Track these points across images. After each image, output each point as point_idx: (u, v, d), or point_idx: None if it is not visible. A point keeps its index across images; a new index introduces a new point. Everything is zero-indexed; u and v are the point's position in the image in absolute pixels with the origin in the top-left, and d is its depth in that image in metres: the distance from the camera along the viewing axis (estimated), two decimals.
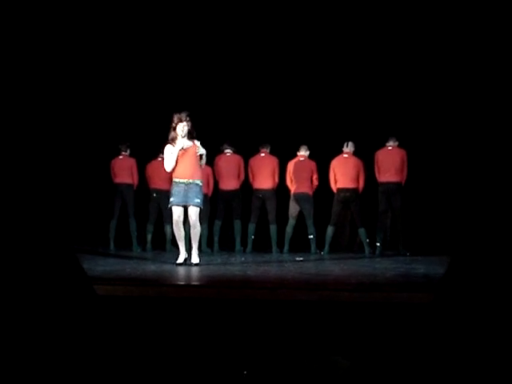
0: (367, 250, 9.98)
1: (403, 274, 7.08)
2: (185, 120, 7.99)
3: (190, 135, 8.03)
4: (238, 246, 10.48)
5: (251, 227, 10.46)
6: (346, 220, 10.76)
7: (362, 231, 10.08)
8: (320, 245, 10.24)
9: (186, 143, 7.98)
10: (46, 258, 1.83)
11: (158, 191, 10.44)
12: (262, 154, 10.45)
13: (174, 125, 8.00)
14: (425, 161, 10.54)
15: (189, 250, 8.12)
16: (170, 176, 9.91)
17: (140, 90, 11.26)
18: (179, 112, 8.05)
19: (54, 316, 1.77)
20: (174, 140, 8.00)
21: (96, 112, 11.24)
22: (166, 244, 10.52)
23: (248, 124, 11.19)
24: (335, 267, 8.14)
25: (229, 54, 11.12)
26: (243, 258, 9.26)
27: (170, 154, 8.00)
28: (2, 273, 1.76)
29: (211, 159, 10.58)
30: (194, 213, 7.94)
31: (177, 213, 7.94)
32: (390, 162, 9.88)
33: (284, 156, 10.49)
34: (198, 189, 7.94)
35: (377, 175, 10.01)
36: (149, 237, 10.64)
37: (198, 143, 8.06)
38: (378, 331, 4.33)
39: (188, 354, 3.94)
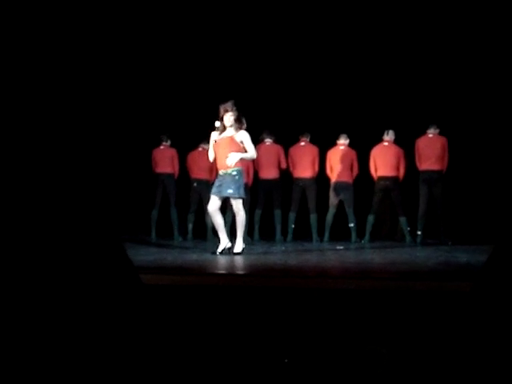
0: (408, 238, 9.94)
1: (444, 263, 7.04)
2: (231, 110, 7.94)
3: (238, 124, 7.98)
4: (278, 235, 10.51)
5: (291, 216, 10.48)
6: (387, 209, 10.72)
7: (402, 220, 10.04)
8: (360, 233, 10.23)
9: (216, 136, 7.97)
10: (93, 248, 1.87)
11: (199, 181, 10.52)
12: (302, 143, 10.45)
13: (221, 115, 7.95)
14: (466, 148, 10.44)
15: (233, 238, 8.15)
16: (210, 166, 10.01)
17: (181, 81, 11.32)
18: (224, 102, 7.98)
19: (102, 304, 1.82)
20: (223, 130, 7.98)
21: (138, 103, 11.35)
22: (206, 233, 10.60)
23: (288, 113, 11.20)
24: (376, 256, 8.13)
25: (267, 45, 11.12)
26: (284, 247, 9.28)
27: (210, 143, 8.06)
28: (51, 263, 1.81)
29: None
30: (232, 203, 7.97)
31: (211, 202, 7.96)
32: (431, 149, 9.80)
33: (324, 145, 10.48)
34: (230, 179, 7.84)
35: (417, 163, 9.93)
36: (190, 226, 10.73)
37: (240, 133, 7.98)
38: (420, 320, 4.32)
39: (231, 342, 3.98)
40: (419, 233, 9.84)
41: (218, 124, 7.98)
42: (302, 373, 3.35)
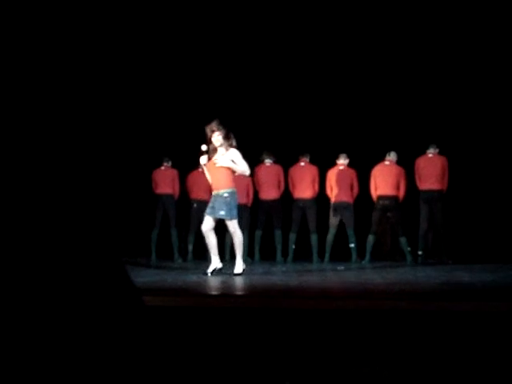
0: (409, 258, 9.91)
1: (446, 283, 7.01)
2: (217, 129, 7.87)
3: (227, 142, 7.91)
4: (279, 256, 10.48)
5: (292, 237, 10.46)
6: (387, 229, 10.70)
7: (403, 240, 10.01)
8: (361, 254, 10.20)
9: (205, 159, 7.95)
10: (96, 270, 1.85)
11: (199, 201, 10.50)
12: (302, 164, 10.45)
13: (208, 137, 7.92)
14: (466, 168, 10.44)
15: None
16: (210, 186, 10.03)
17: (182, 102, 11.34)
18: (208, 123, 7.92)
19: (105, 327, 1.80)
20: (214, 151, 7.94)
21: (139, 123, 11.36)
22: (207, 254, 10.57)
23: (287, 133, 11.22)
24: (377, 276, 8.09)
25: (267, 64, 11.16)
26: (284, 268, 9.26)
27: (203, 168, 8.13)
28: (53, 285, 1.79)
29: (251, 169, 10.63)
30: (228, 224, 7.92)
31: (204, 222, 7.93)
32: (431, 169, 9.80)
33: (324, 165, 10.48)
34: (222, 200, 7.80)
35: (417, 183, 9.93)
36: (190, 247, 10.70)
37: (230, 153, 7.91)
38: (422, 340, 4.29)
39: (229, 364, 3.95)
40: (420, 252, 9.82)
41: (204, 148, 7.94)
42: None
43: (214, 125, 7.88)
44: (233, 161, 7.91)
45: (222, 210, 7.78)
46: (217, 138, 7.87)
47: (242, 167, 7.99)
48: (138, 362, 1.81)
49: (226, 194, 7.82)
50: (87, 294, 1.77)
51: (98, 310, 1.77)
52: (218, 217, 7.85)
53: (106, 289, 1.81)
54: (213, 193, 7.95)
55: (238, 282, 7.34)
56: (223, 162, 7.83)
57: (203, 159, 7.98)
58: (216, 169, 7.88)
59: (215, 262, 7.94)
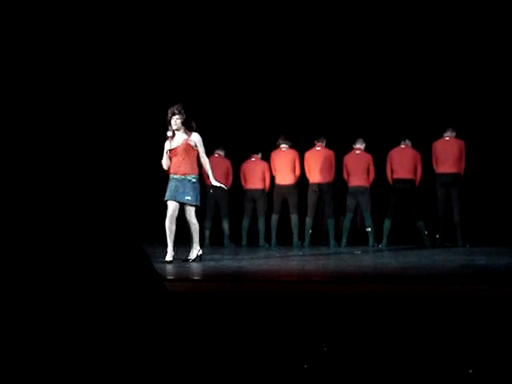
0: (426, 242, 9.90)
1: (463, 266, 7.01)
2: (178, 113, 7.68)
3: (187, 128, 7.74)
4: (295, 241, 10.50)
5: (308, 221, 10.47)
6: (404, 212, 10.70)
7: (420, 224, 9.99)
8: (378, 238, 10.21)
9: (173, 143, 7.73)
10: (117, 255, 1.88)
11: (214, 187, 10.52)
12: (318, 148, 10.44)
13: (168, 119, 7.72)
14: (483, 151, 10.40)
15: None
16: (226, 172, 10.11)
17: (189, 88, 11.31)
18: (173, 105, 7.74)
19: (125, 312, 1.83)
20: (173, 136, 7.76)
21: (155, 110, 11.35)
22: (224, 239, 10.62)
23: (303, 118, 11.20)
24: (393, 260, 8.10)
25: (279, 49, 11.11)
26: (301, 252, 9.28)
27: (164, 152, 7.83)
28: (74, 272, 1.82)
29: (267, 154, 10.65)
30: (187, 209, 7.75)
31: (171, 207, 7.70)
32: (448, 152, 9.77)
33: (340, 149, 10.46)
34: (190, 185, 7.70)
35: (434, 166, 9.90)
36: (207, 233, 10.72)
37: (193, 136, 7.76)
38: (440, 324, 4.30)
39: (247, 349, 3.98)
40: (437, 236, 9.81)
41: (169, 133, 7.74)
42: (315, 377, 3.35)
43: (175, 107, 7.72)
44: (195, 145, 7.78)
45: (189, 195, 7.67)
46: (175, 121, 7.69)
47: (203, 159, 7.89)
48: (158, 347, 1.84)
49: (194, 180, 7.73)
50: (109, 280, 1.80)
51: (120, 296, 1.80)
52: (183, 201, 7.68)
53: (128, 275, 1.84)
54: (175, 176, 7.73)
55: (256, 266, 7.36)
56: (216, 183, 8.07)
57: (167, 144, 7.77)
58: (184, 153, 7.73)
59: (171, 250, 7.70)
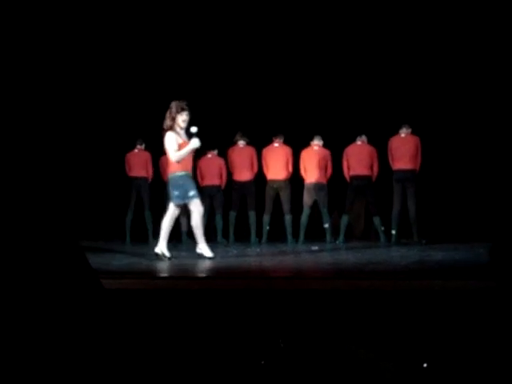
0: (382, 238, 9.97)
1: (419, 262, 7.08)
2: (187, 109, 7.59)
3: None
4: (253, 238, 10.49)
5: (266, 218, 10.47)
6: (361, 208, 10.77)
7: (376, 219, 10.07)
8: (335, 234, 10.26)
9: (180, 140, 7.62)
10: (50, 253, 1.85)
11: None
12: (276, 145, 10.44)
13: (173, 114, 7.56)
14: (439, 147, 10.50)
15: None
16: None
17: (153, 84, 11.25)
18: (178, 100, 7.65)
19: (61, 309, 1.79)
20: (172, 129, 7.59)
21: (111, 106, 11.27)
22: (181, 235, 10.56)
23: (261, 114, 11.19)
24: (351, 256, 8.14)
25: (241, 45, 11.10)
26: (259, 249, 9.28)
27: (176, 144, 7.55)
28: (6, 270, 1.78)
29: (224, 151, 10.62)
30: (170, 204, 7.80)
31: (178, 209, 7.78)
32: (404, 149, 9.85)
33: (297, 146, 10.47)
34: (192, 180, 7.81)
35: (391, 163, 9.98)
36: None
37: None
38: (395, 320, 4.33)
39: (204, 348, 3.96)
40: (393, 232, 9.88)
41: (195, 129, 7.56)
42: (275, 375, 3.35)
43: (184, 104, 7.64)
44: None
45: (195, 189, 7.72)
46: (186, 118, 7.62)
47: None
48: (95, 344, 1.81)
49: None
50: (42, 277, 1.77)
51: (54, 293, 1.77)
52: (193, 198, 7.63)
53: (62, 271, 1.81)
54: (184, 174, 7.63)
55: (213, 263, 7.34)
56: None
57: (177, 139, 7.62)
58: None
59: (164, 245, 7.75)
